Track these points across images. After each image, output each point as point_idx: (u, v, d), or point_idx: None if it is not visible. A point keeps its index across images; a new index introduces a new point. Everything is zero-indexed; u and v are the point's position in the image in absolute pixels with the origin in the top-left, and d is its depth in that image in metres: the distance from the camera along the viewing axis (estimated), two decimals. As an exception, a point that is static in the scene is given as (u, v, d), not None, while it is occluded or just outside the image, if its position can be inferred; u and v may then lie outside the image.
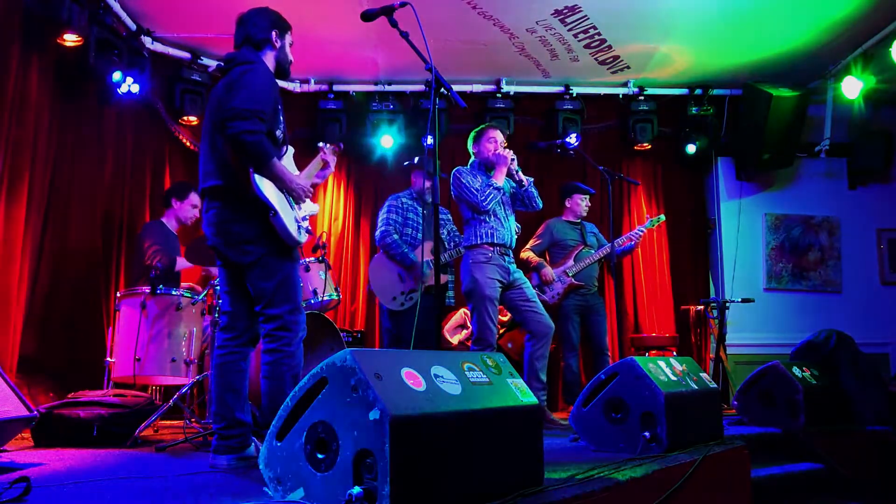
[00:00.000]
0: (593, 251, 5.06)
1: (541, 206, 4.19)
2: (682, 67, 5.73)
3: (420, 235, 4.52)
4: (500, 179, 3.99)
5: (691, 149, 6.08)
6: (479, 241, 3.97)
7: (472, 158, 4.23)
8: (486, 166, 4.13)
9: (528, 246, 5.16)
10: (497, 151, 4.04)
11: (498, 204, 4.04)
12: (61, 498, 1.93)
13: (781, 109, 5.58)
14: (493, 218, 4.01)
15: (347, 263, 5.99)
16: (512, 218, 4.16)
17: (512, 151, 4.06)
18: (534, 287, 5.05)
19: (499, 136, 4.14)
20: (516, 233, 4.36)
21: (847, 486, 3.49)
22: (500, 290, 3.99)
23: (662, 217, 5.30)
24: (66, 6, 4.10)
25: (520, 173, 4.11)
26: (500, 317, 5.05)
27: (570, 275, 4.99)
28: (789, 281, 6.30)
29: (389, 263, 4.51)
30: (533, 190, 4.15)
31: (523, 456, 1.90)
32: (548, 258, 5.15)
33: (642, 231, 5.14)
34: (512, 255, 4.10)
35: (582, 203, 5.16)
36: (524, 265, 5.18)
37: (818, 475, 3.49)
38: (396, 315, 4.51)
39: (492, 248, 3.96)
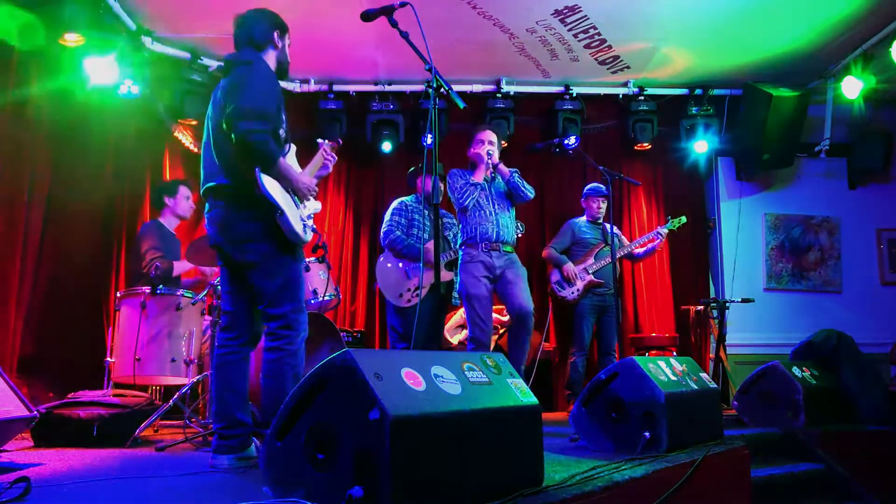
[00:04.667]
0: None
1: (530, 196, 4.19)
2: (682, 67, 5.73)
3: (427, 236, 4.55)
4: (478, 177, 4.13)
5: (703, 146, 6.00)
6: (465, 239, 4.11)
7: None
8: (474, 166, 4.25)
9: (549, 244, 5.37)
10: (477, 151, 4.16)
11: (485, 199, 4.11)
12: (61, 498, 1.93)
13: (781, 109, 5.57)
14: (478, 214, 4.10)
15: (347, 263, 5.98)
16: (506, 214, 4.15)
17: (492, 148, 4.14)
18: (553, 283, 5.15)
19: (488, 136, 4.22)
20: (518, 233, 4.40)
21: (847, 486, 3.49)
22: (490, 284, 4.02)
23: (684, 219, 5.36)
24: (67, 6, 4.10)
25: (501, 166, 4.17)
26: (500, 317, 5.07)
27: (591, 272, 5.09)
28: (789, 281, 6.30)
29: (395, 260, 4.52)
30: (517, 180, 4.16)
31: (523, 456, 1.90)
32: (569, 257, 5.25)
33: (665, 232, 5.22)
34: (502, 249, 4.08)
35: (594, 205, 5.33)
36: (546, 263, 5.29)
37: (818, 475, 3.48)
38: (403, 311, 4.52)
39: (475, 246, 4.05)
